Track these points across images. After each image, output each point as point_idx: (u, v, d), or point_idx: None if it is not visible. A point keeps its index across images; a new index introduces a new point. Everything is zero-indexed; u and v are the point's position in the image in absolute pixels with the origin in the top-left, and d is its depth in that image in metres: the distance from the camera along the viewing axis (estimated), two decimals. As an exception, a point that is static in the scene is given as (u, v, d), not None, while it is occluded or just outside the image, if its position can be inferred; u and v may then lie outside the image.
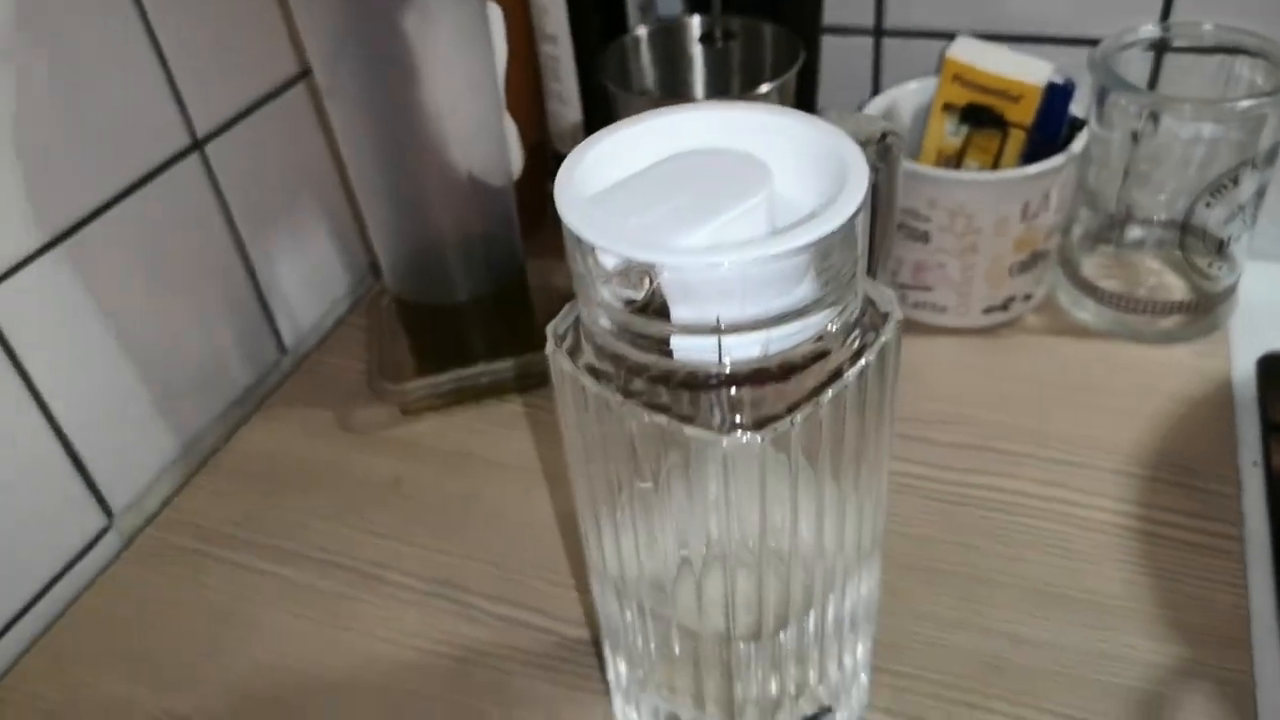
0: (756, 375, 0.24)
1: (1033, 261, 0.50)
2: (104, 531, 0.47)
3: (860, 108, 0.53)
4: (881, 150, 0.27)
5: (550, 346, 0.26)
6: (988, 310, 0.51)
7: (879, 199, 0.29)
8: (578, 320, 0.26)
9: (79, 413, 0.45)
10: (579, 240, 0.22)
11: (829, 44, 0.56)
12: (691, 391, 0.24)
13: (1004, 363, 0.51)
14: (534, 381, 0.51)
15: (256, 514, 0.47)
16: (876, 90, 0.55)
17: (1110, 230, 0.52)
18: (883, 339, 0.25)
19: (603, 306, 0.24)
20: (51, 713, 0.40)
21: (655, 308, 0.23)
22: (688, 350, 0.23)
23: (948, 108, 0.50)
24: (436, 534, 0.45)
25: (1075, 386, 0.49)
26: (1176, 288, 0.51)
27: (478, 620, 0.42)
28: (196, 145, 0.50)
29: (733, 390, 0.24)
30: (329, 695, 0.39)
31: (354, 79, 0.43)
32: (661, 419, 0.24)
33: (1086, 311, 0.52)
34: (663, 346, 0.24)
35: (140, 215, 0.47)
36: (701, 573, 0.29)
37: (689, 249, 0.22)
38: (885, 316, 0.26)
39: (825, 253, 0.23)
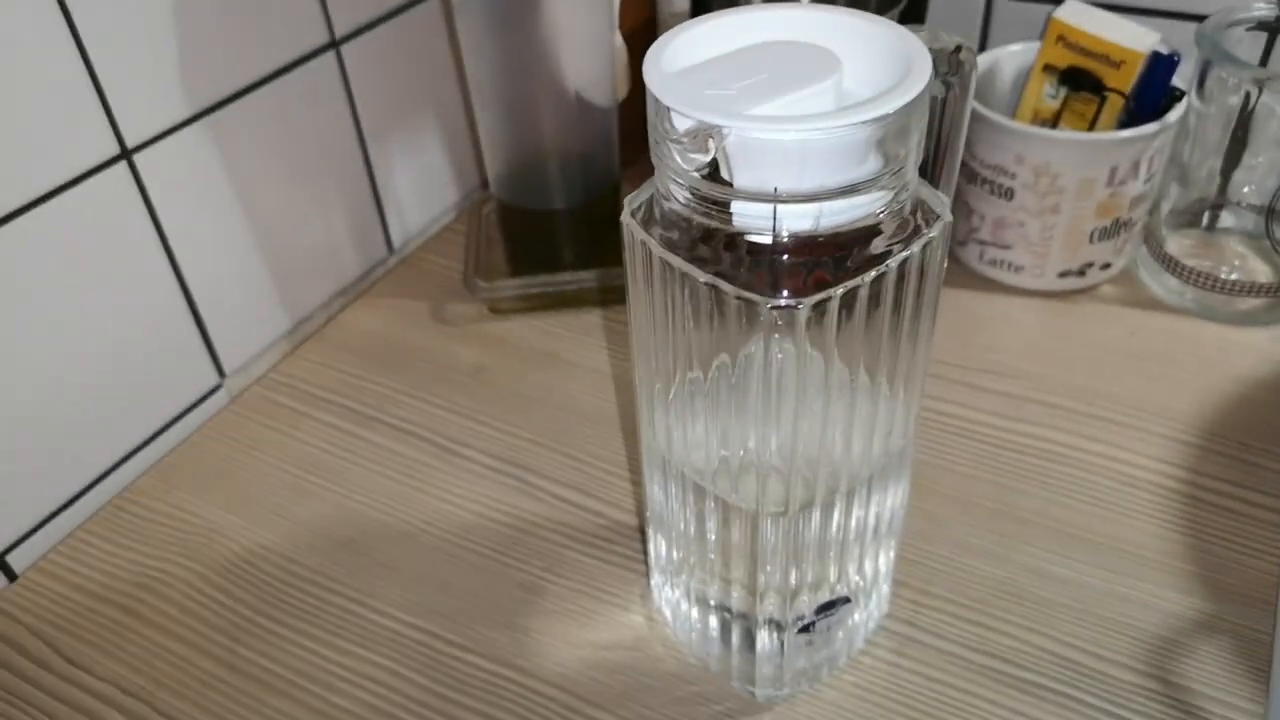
0: (807, 246, 0.26)
1: (1115, 229, 0.50)
2: (215, 389, 0.52)
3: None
4: (954, 63, 0.29)
5: (625, 215, 0.29)
6: (1063, 274, 0.52)
7: (947, 112, 0.31)
8: (653, 196, 0.29)
9: (205, 277, 0.50)
10: (657, 102, 0.25)
11: (942, 2, 0.57)
12: (750, 257, 0.27)
13: (1072, 325, 0.52)
14: (615, 296, 0.54)
15: (352, 385, 0.52)
16: (983, 50, 0.56)
17: (1201, 212, 0.53)
18: (929, 235, 0.28)
19: (674, 170, 0.26)
20: (158, 524, 0.45)
21: (721, 176, 0.26)
22: (746, 217, 0.26)
23: (1048, 69, 0.51)
24: (510, 419, 0.49)
25: (1140, 355, 0.50)
26: (1261, 271, 0.51)
27: (537, 497, 0.45)
28: (334, 44, 0.54)
29: (784, 258, 0.26)
30: (397, 541, 0.43)
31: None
32: (714, 279, 0.26)
33: (1165, 287, 0.52)
34: (724, 213, 0.26)
35: (277, 102, 0.51)
36: (737, 471, 0.31)
37: (753, 115, 0.24)
38: (936, 218, 0.28)
39: (881, 136, 0.25)
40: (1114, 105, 0.49)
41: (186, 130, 0.47)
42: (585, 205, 0.52)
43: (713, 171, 0.26)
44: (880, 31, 0.27)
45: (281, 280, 0.55)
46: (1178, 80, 0.49)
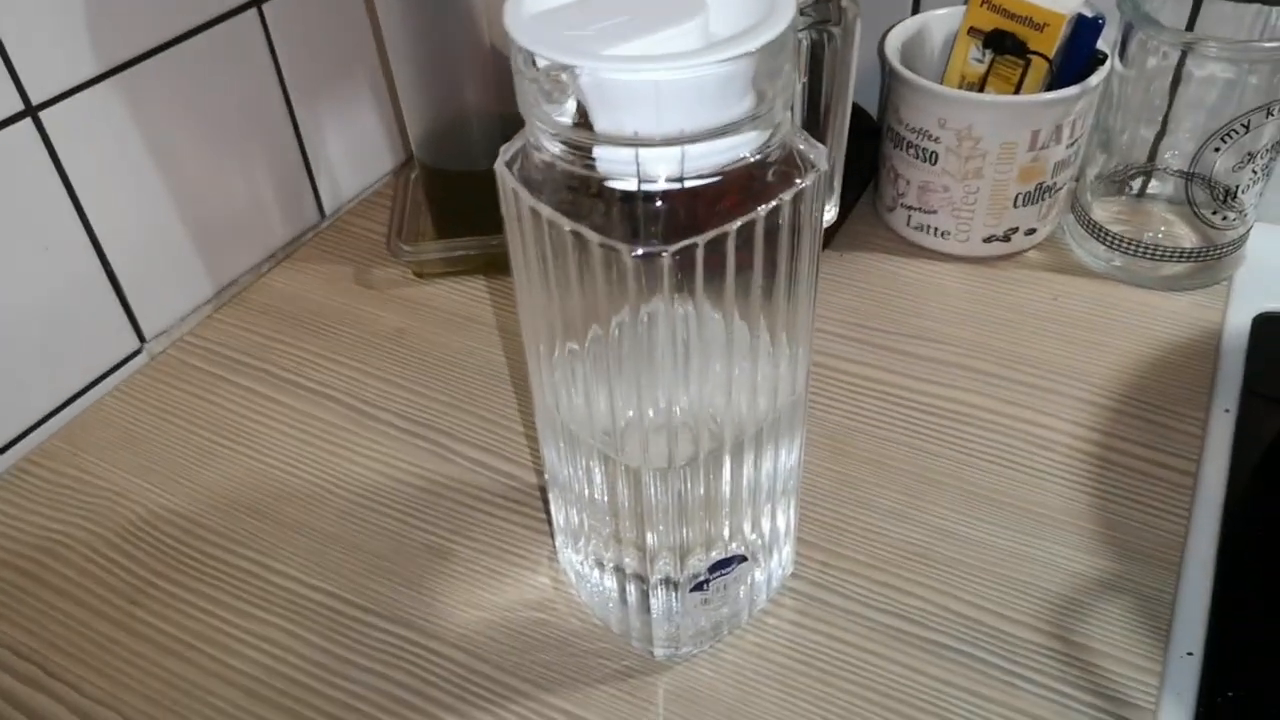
0: (672, 194, 0.26)
1: (1039, 195, 0.50)
2: (135, 354, 0.52)
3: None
4: (835, 11, 0.29)
5: (499, 164, 0.29)
6: (988, 239, 0.52)
7: (832, 63, 0.30)
8: (525, 146, 0.28)
9: (122, 241, 0.49)
10: (515, 43, 0.25)
11: (874, -34, 0.56)
12: (620, 207, 0.26)
13: (997, 291, 0.51)
14: (542, 260, 0.53)
15: (270, 348, 0.51)
16: (916, 13, 0.56)
17: (1126, 178, 0.52)
18: (801, 184, 0.27)
19: (539, 118, 0.26)
20: (62, 487, 0.44)
21: (585, 124, 0.25)
22: (609, 163, 0.25)
23: (973, 31, 0.50)
24: (427, 382, 0.48)
25: (1062, 320, 0.50)
26: (1185, 237, 0.51)
27: (450, 460, 0.45)
28: (256, 2, 0.53)
29: (652, 205, 0.26)
30: (304, 505, 0.43)
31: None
32: (579, 226, 0.26)
33: (1090, 253, 0.52)
34: (588, 159, 0.26)
35: (196, 60, 0.50)
36: (623, 429, 0.31)
37: (605, 55, 0.24)
38: (811, 166, 0.28)
39: (742, 77, 0.24)
40: (1039, 69, 0.49)
41: (99, 86, 0.46)
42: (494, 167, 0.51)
43: (583, 119, 0.25)
44: (749, -27, 0.26)
45: (205, 245, 0.54)
46: (1102, 44, 0.49)
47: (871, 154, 0.55)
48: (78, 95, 0.46)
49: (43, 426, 0.48)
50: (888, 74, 0.51)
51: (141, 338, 0.52)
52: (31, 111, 0.44)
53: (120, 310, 0.50)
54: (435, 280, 0.54)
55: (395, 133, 0.64)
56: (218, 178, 0.53)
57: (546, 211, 0.27)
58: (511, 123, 0.51)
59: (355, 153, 0.62)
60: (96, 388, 0.50)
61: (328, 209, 0.61)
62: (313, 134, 0.58)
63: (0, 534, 0.42)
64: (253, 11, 0.53)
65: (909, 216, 0.53)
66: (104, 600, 0.40)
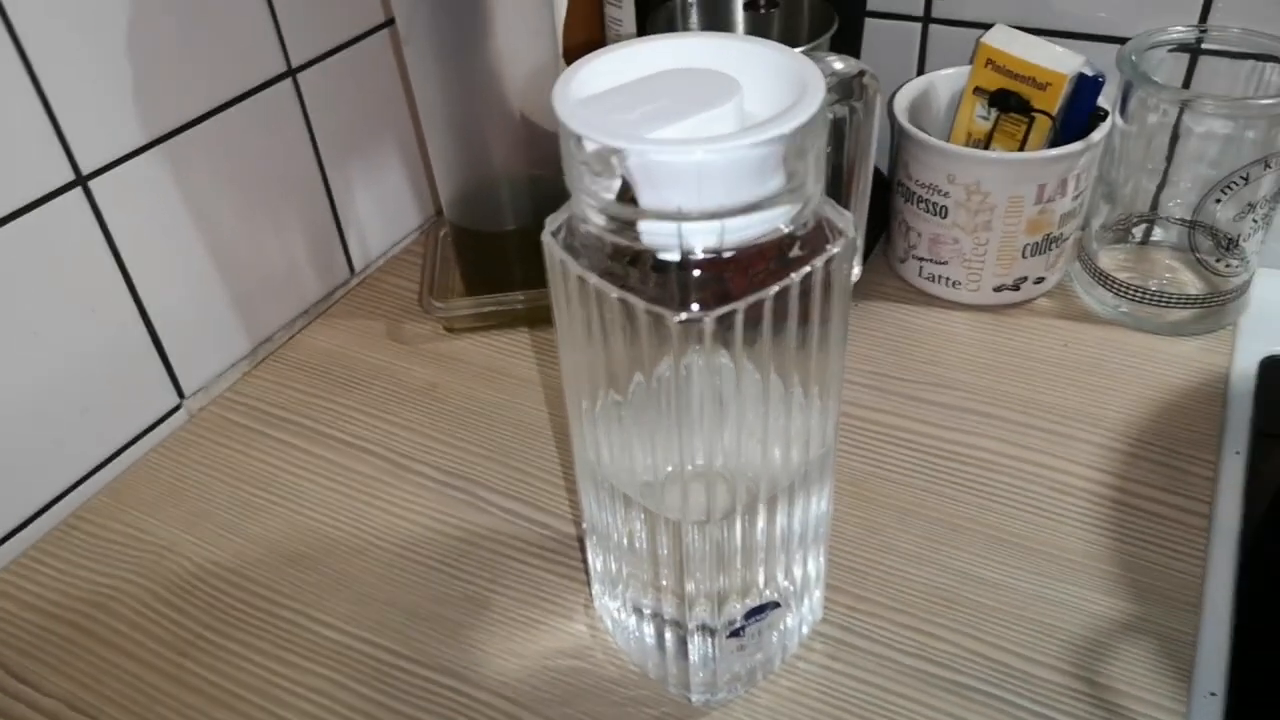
0: (712, 262, 0.27)
1: (1046, 245, 0.52)
2: (174, 410, 0.53)
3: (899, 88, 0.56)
4: (858, 87, 0.31)
5: (545, 235, 0.30)
6: (999, 289, 0.53)
7: (853, 133, 0.32)
8: (570, 217, 0.30)
9: (164, 302, 0.51)
10: (565, 127, 0.27)
11: (881, 28, 0.59)
12: (661, 274, 0.28)
13: (1009, 338, 0.53)
14: (567, 314, 0.55)
15: (307, 403, 0.53)
16: (921, 74, 0.58)
17: (1130, 227, 0.54)
18: (832, 250, 0.29)
19: (586, 192, 0.28)
20: (111, 542, 0.46)
21: (629, 198, 0.27)
22: (654, 235, 0.27)
23: (978, 91, 0.52)
24: (460, 434, 0.50)
25: (1074, 366, 0.51)
26: (1190, 284, 0.53)
27: (485, 510, 0.46)
28: (290, 72, 0.55)
29: (693, 273, 0.28)
30: (346, 556, 0.44)
31: (428, 27, 0.48)
32: (625, 293, 0.28)
33: (1098, 300, 0.54)
34: (634, 231, 0.28)
35: (235, 129, 0.53)
36: (662, 482, 0.32)
37: (652, 139, 0.25)
38: (840, 234, 0.29)
39: (777, 155, 0.26)
40: (1042, 126, 0.51)
41: (143, 156, 0.49)
42: (535, 226, 0.53)
43: (626, 194, 0.27)
44: (779, 58, 0.28)
45: (242, 303, 0.56)
46: (1103, 101, 0.51)
47: (882, 208, 0.57)
48: (124, 164, 0.48)
49: (88, 482, 0.49)
50: (897, 132, 0.53)
51: (181, 394, 0.53)
52: (81, 181, 0.46)
53: (161, 368, 0.52)
54: (465, 335, 0.56)
55: (420, 191, 0.66)
56: (254, 239, 0.55)
57: (593, 279, 0.29)
58: (539, 184, 0.54)
59: (383, 212, 0.64)
60: (139, 443, 0.51)
61: (357, 266, 0.63)
62: (343, 194, 0.61)
63: (52, 588, 0.44)
64: (288, 81, 0.55)
65: (921, 267, 0.55)
66: (155, 653, 0.41)
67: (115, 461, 0.50)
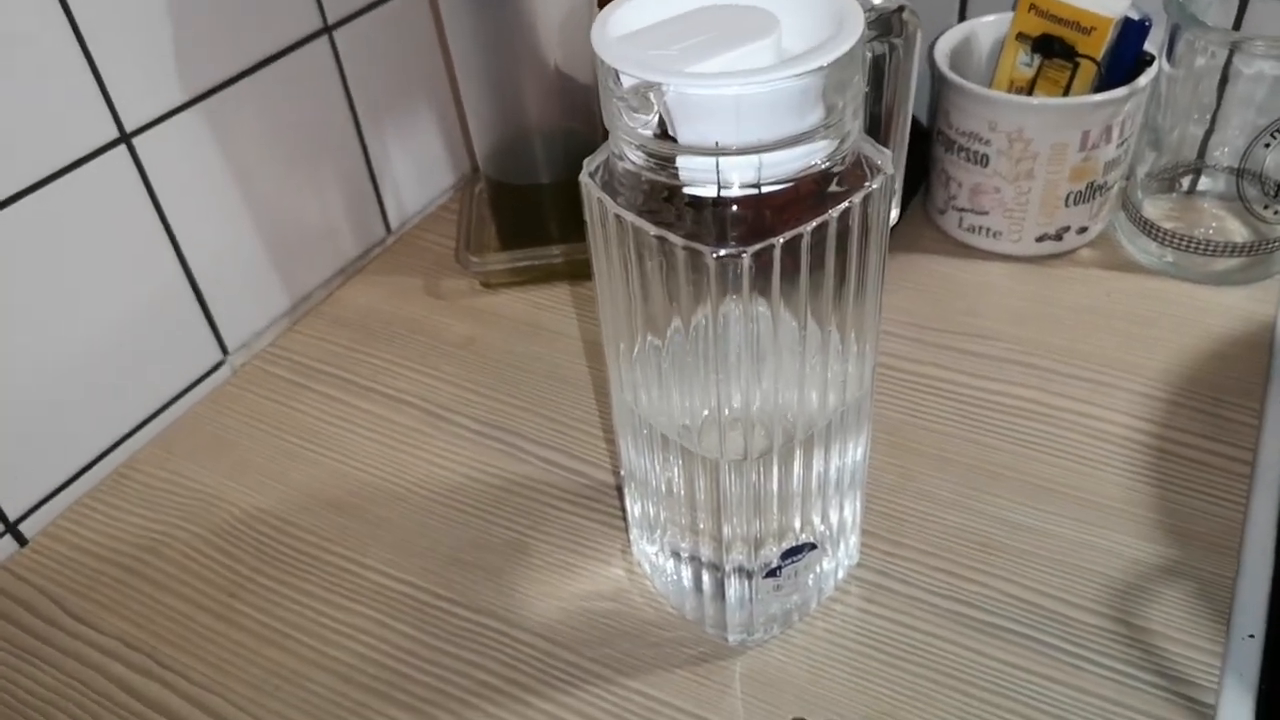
0: (749, 199, 0.28)
1: (1090, 194, 0.51)
2: (219, 365, 0.54)
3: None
4: (897, 23, 0.30)
5: (584, 175, 0.31)
6: (1040, 239, 0.53)
7: (892, 71, 0.32)
8: (609, 158, 0.30)
9: (207, 258, 0.52)
10: (603, 64, 0.27)
11: (919, -24, 0.58)
12: (699, 212, 0.28)
13: (1050, 288, 0.53)
14: (603, 268, 0.56)
15: (348, 357, 0.54)
16: (962, 20, 0.57)
17: (1176, 176, 0.53)
18: (871, 187, 0.29)
19: (624, 130, 0.28)
20: (160, 490, 0.47)
21: (666, 135, 0.27)
22: (692, 170, 0.27)
23: (1021, 37, 0.51)
24: (498, 386, 0.51)
25: (1116, 315, 0.51)
26: (1237, 232, 0.52)
27: (523, 460, 0.47)
28: (327, 29, 0.55)
29: (731, 210, 0.28)
30: (388, 503, 0.45)
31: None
32: (663, 230, 0.28)
33: (1142, 249, 0.53)
34: (672, 167, 0.28)
35: (273, 87, 0.53)
36: (701, 424, 0.33)
37: (689, 72, 0.25)
38: (878, 171, 0.29)
39: (815, 90, 0.26)
40: (1087, 72, 0.50)
41: (184, 114, 0.49)
42: (570, 179, 0.53)
43: (663, 131, 0.27)
44: (817, -8, 0.28)
45: (281, 261, 0.56)
46: (1150, 46, 0.50)
47: (922, 158, 0.57)
48: (166, 122, 0.49)
49: (138, 434, 0.50)
50: (937, 80, 0.52)
51: (224, 350, 0.54)
52: (125, 139, 0.47)
53: (205, 324, 0.53)
54: (501, 290, 0.57)
55: (455, 149, 0.67)
56: (292, 197, 0.56)
57: (630, 217, 0.29)
58: (574, 138, 0.54)
59: (419, 169, 0.65)
60: (185, 397, 0.52)
61: (393, 224, 0.64)
62: (379, 152, 0.61)
63: (106, 534, 0.45)
64: (324, 38, 0.55)
65: (961, 218, 0.54)
66: (205, 594, 0.42)
67: (163, 414, 0.51)
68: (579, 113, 0.53)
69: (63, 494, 0.47)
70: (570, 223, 0.55)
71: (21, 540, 0.46)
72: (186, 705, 0.38)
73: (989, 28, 0.55)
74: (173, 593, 0.42)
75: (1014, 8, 0.52)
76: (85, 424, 0.48)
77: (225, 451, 0.49)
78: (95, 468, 0.49)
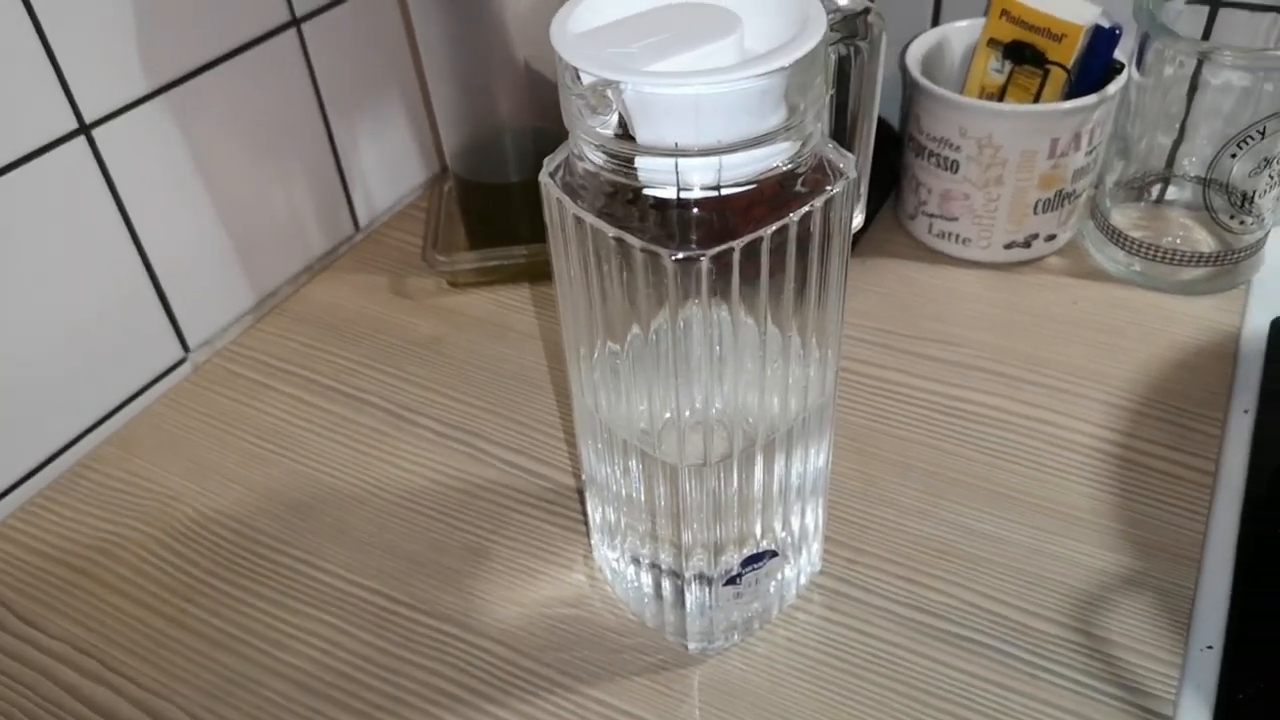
0: (710, 201, 0.27)
1: (1059, 201, 0.51)
2: (180, 363, 0.53)
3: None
4: (863, 26, 0.30)
5: (543, 175, 0.30)
6: (1009, 246, 0.53)
7: (859, 74, 0.32)
8: (569, 157, 0.30)
9: (168, 253, 0.51)
10: (563, 61, 0.26)
11: (894, -19, 0.58)
12: (659, 213, 0.28)
13: (1017, 296, 0.53)
14: (572, 269, 0.55)
15: (311, 356, 0.53)
16: (935, 25, 0.57)
17: (1145, 185, 0.53)
18: (832, 191, 0.28)
19: (583, 130, 0.27)
20: (116, 490, 0.46)
21: (626, 136, 0.27)
22: (651, 172, 0.27)
23: (992, 43, 0.51)
24: (462, 388, 0.50)
25: (1082, 324, 0.51)
26: (1204, 242, 0.52)
27: (486, 463, 0.46)
28: (295, 22, 0.55)
29: (691, 212, 0.27)
30: (348, 506, 0.44)
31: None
32: (621, 232, 0.27)
33: (1110, 258, 0.53)
34: (631, 168, 0.27)
35: (239, 79, 0.52)
36: (660, 427, 0.32)
37: (647, 71, 0.25)
38: (840, 174, 0.29)
39: (776, 91, 0.26)
40: (1057, 79, 0.50)
41: (147, 105, 0.48)
42: (539, 178, 0.53)
43: (624, 131, 0.27)
44: (782, -7, 0.28)
45: (247, 256, 0.55)
46: (1120, 54, 0.50)
47: (893, 163, 0.57)
48: (128, 113, 0.48)
49: (95, 432, 0.49)
50: (909, 85, 0.52)
51: (185, 347, 0.54)
52: (85, 129, 0.46)
53: (165, 320, 0.52)
54: (469, 289, 0.56)
55: (425, 147, 0.66)
56: (258, 192, 0.55)
57: (590, 219, 0.28)
58: (544, 137, 0.53)
59: (387, 166, 0.64)
60: (144, 395, 0.51)
61: (362, 221, 0.63)
62: (348, 148, 0.60)
63: (58, 534, 0.44)
64: (291, 31, 0.55)
65: (930, 224, 0.54)
66: (158, 598, 0.41)
67: (121, 412, 0.51)
68: (549, 111, 0.52)
69: (14, 493, 0.46)
70: (538, 223, 0.54)
71: (-31, 539, 0.45)
72: (136, 711, 0.37)
73: (961, 33, 0.55)
74: (125, 595, 0.41)
75: (986, 13, 0.52)
76: (39, 421, 0.47)
77: (184, 451, 0.48)
78: (49, 466, 0.48)
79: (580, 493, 0.44)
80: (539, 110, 0.52)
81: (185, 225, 0.52)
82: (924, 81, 0.50)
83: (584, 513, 0.43)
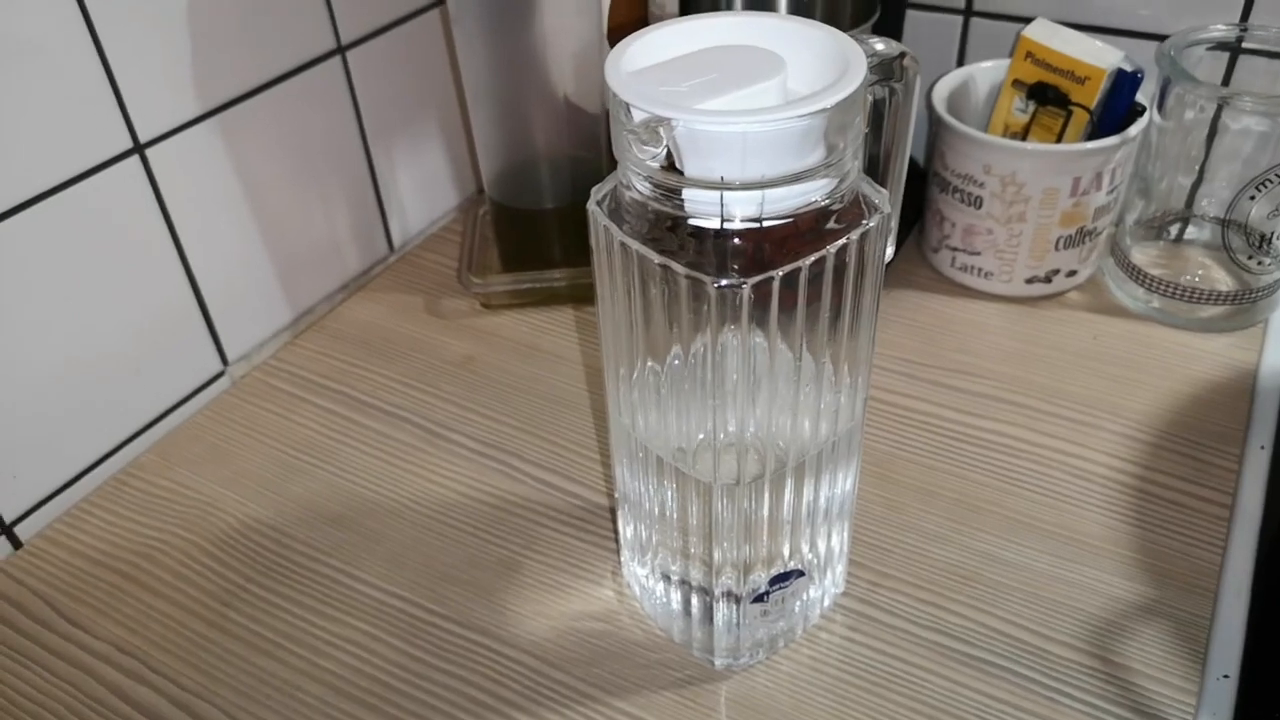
0: (751, 232, 0.29)
1: (1080, 238, 0.53)
2: (219, 375, 0.55)
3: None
4: (898, 69, 0.31)
5: (591, 203, 0.32)
6: (1030, 280, 0.54)
7: (893, 114, 0.33)
8: (616, 187, 0.31)
9: (212, 270, 0.53)
10: (615, 97, 0.28)
11: (923, 19, 0.59)
12: (698, 242, 0.29)
13: (1039, 329, 0.54)
14: (602, 293, 0.57)
15: (348, 372, 0.54)
16: (960, 65, 0.59)
17: (1165, 224, 0.55)
18: (868, 225, 0.30)
19: (633, 161, 0.29)
20: (158, 498, 0.48)
21: (673, 167, 0.28)
22: (697, 203, 0.28)
23: (1017, 84, 0.53)
24: (495, 406, 0.51)
25: (1102, 358, 0.52)
26: (1222, 281, 0.53)
27: (519, 479, 0.47)
28: (340, 50, 0.57)
29: (733, 242, 0.29)
30: (383, 518, 0.46)
31: (478, 8, 0.49)
32: (666, 259, 0.29)
33: (1129, 295, 0.54)
34: (677, 199, 0.29)
35: (285, 104, 0.54)
36: (695, 447, 0.34)
37: (698, 109, 0.27)
38: (875, 209, 0.30)
39: (818, 130, 0.27)
40: (1079, 120, 0.52)
41: (198, 127, 0.50)
42: (574, 205, 0.55)
43: (670, 164, 0.28)
44: (824, 37, 0.29)
45: (285, 274, 0.57)
46: (1141, 97, 0.51)
47: (917, 198, 0.58)
48: (180, 134, 0.49)
49: (137, 440, 0.51)
50: (935, 123, 0.54)
51: (225, 360, 0.55)
52: (139, 149, 0.48)
53: (207, 334, 0.54)
54: (501, 311, 0.58)
55: (461, 171, 0.68)
56: (299, 213, 0.57)
57: (635, 245, 0.30)
58: (580, 165, 0.55)
59: (424, 189, 0.66)
60: (185, 405, 0.53)
61: (397, 242, 0.65)
62: (386, 171, 0.62)
63: (102, 538, 0.46)
64: (337, 58, 0.57)
65: (954, 257, 0.55)
66: (199, 602, 0.42)
67: (163, 422, 0.52)
68: (586, 141, 0.54)
69: (60, 497, 0.48)
70: (573, 247, 0.56)
71: (16, 543, 0.46)
72: (176, 711, 0.38)
73: (986, 73, 0.56)
74: (166, 599, 0.43)
75: (1011, 55, 0.54)
76: (85, 429, 0.49)
77: (223, 461, 0.49)
78: (93, 472, 0.49)
79: (611, 510, 0.45)
80: (577, 140, 0.54)
81: (229, 243, 0.53)
82: (950, 120, 0.52)
83: (614, 530, 0.44)
